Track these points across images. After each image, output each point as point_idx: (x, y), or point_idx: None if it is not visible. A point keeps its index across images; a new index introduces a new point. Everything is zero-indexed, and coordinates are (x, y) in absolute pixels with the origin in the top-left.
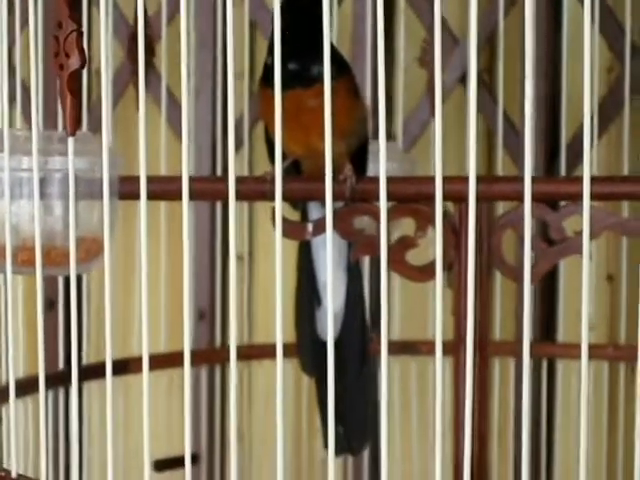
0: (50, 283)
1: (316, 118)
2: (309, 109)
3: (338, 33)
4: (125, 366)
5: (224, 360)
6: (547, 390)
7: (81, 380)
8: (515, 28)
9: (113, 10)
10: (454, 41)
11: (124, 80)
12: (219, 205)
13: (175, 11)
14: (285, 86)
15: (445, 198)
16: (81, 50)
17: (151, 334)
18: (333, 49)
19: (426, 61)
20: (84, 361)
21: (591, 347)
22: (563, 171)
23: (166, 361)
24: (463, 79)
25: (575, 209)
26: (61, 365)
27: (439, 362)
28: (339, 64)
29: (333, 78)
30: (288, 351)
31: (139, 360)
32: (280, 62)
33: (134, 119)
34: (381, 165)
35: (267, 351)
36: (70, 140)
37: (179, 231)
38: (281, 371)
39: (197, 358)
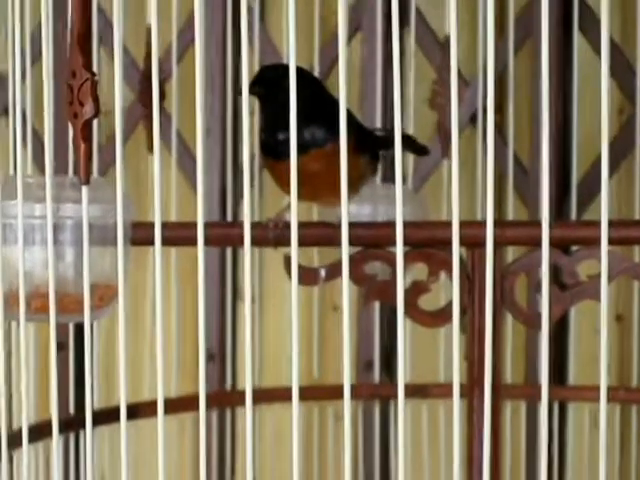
0: (60, 325)
1: (319, 180)
2: (309, 174)
3: (347, 72)
4: (135, 411)
5: (235, 403)
6: (559, 432)
7: (93, 426)
8: (524, 69)
9: (123, 52)
10: (464, 82)
11: (133, 120)
12: (229, 247)
13: (185, 51)
14: (281, 155)
15: (459, 243)
16: (95, 99)
17: (163, 378)
18: (330, 107)
19: (436, 103)
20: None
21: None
22: (574, 211)
23: (177, 405)
24: (473, 119)
25: (588, 253)
26: (71, 410)
27: (456, 406)
28: (332, 124)
29: (325, 141)
30: (300, 394)
31: (149, 405)
32: (270, 134)
33: (143, 159)
34: (397, 214)
35: (277, 394)
36: (84, 189)
37: (189, 273)
38: (297, 414)
39: (207, 401)
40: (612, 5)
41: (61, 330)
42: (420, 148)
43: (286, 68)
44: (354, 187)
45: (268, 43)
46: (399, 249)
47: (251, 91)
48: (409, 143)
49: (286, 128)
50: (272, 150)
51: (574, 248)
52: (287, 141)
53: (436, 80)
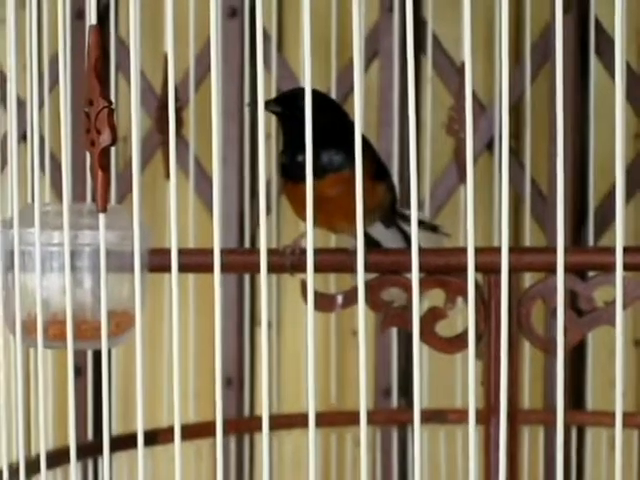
0: (78, 351)
1: (334, 205)
2: (326, 198)
3: (365, 100)
4: (153, 437)
5: (253, 429)
6: (577, 458)
7: (111, 452)
8: (542, 94)
9: (140, 79)
10: (481, 108)
11: (151, 147)
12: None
13: (203, 77)
14: (299, 178)
15: (475, 269)
16: (112, 127)
17: (180, 404)
18: (348, 134)
19: (454, 129)
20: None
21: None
22: (591, 237)
23: (194, 431)
24: (490, 145)
25: (605, 279)
26: (89, 435)
27: (472, 433)
28: (351, 150)
29: (343, 166)
30: (318, 420)
31: (167, 431)
32: (290, 156)
33: (160, 186)
34: (413, 239)
35: (296, 420)
36: (101, 217)
37: (206, 298)
38: (313, 440)
39: (225, 427)
40: (629, 30)
41: (79, 356)
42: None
43: (292, 94)
44: (370, 215)
45: (285, 69)
46: (415, 275)
47: (269, 107)
48: (432, 228)
49: (304, 150)
50: (290, 172)
51: (591, 274)
52: (304, 164)
53: (453, 106)
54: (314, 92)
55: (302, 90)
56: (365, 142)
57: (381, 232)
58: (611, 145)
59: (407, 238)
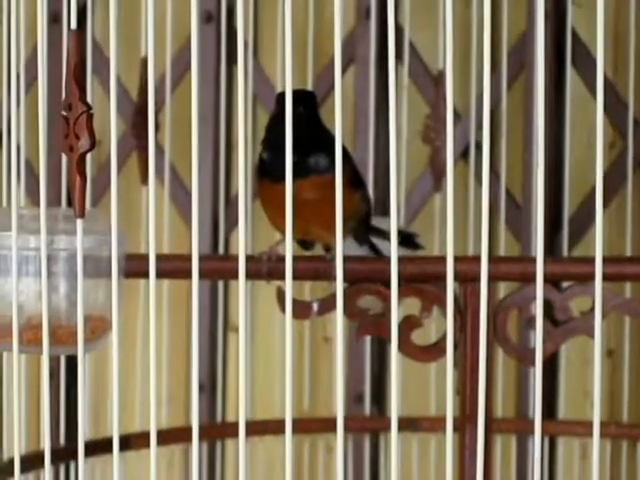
0: (51, 356)
1: (313, 209)
2: (305, 200)
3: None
4: (126, 442)
5: (225, 435)
6: (549, 465)
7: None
8: (516, 103)
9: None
10: (456, 116)
11: (125, 152)
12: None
13: (178, 82)
14: (280, 177)
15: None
16: (91, 132)
17: (156, 409)
18: (330, 139)
19: (430, 137)
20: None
21: (592, 425)
22: (565, 246)
23: (167, 437)
24: (465, 154)
25: (582, 289)
26: (61, 440)
27: (449, 440)
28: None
29: (327, 170)
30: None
31: (140, 436)
32: (275, 154)
33: (134, 190)
34: (392, 248)
35: (269, 427)
36: (79, 222)
37: (179, 304)
38: (290, 448)
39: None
40: (605, 40)
41: (51, 360)
42: (415, 244)
43: (302, 93)
44: (346, 223)
45: (260, 74)
46: (394, 284)
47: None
48: (407, 240)
49: (293, 150)
50: (271, 171)
51: (565, 284)
52: (292, 164)
53: (429, 114)
54: (312, 95)
55: (298, 92)
56: (344, 150)
57: (353, 250)
58: (585, 154)
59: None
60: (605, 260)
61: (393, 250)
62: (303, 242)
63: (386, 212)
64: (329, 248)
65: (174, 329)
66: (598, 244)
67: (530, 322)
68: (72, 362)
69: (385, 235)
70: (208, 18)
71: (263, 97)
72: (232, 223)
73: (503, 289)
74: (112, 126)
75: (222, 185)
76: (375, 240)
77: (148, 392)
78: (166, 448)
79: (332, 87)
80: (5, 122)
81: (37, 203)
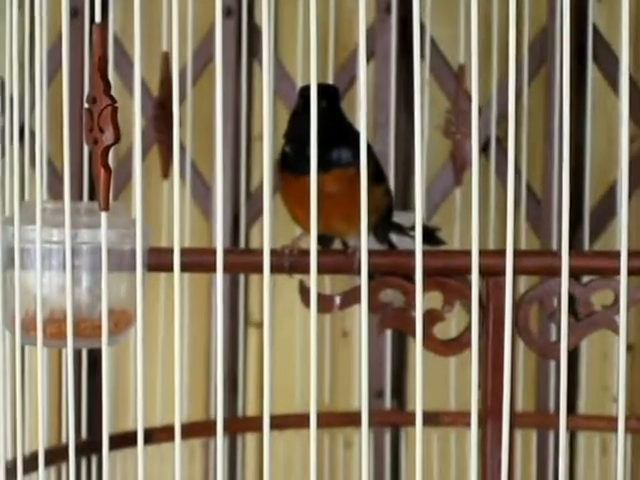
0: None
1: (335, 203)
2: (327, 194)
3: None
4: (147, 436)
5: (245, 430)
6: (569, 463)
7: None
8: (537, 97)
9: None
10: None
11: (145, 145)
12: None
13: (198, 76)
14: (303, 171)
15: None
16: (116, 125)
17: (172, 404)
18: (354, 133)
19: (451, 131)
20: None
21: (612, 420)
22: (587, 240)
23: (187, 431)
24: (485, 148)
25: (604, 283)
26: (83, 434)
27: (474, 435)
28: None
29: (350, 164)
30: (308, 421)
31: (162, 430)
32: (297, 148)
33: (154, 185)
34: (417, 243)
35: (289, 421)
36: (103, 215)
37: (199, 298)
38: (314, 443)
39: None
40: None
41: (74, 355)
42: (437, 240)
43: (325, 87)
44: (369, 217)
45: (280, 68)
46: (418, 277)
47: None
48: (428, 235)
49: (317, 144)
50: (294, 165)
51: (585, 278)
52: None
53: (449, 109)
54: (335, 89)
55: (323, 86)
56: (367, 144)
57: (371, 247)
58: (606, 149)
59: None
60: (630, 254)
61: (418, 244)
62: (321, 239)
63: (405, 206)
64: (347, 245)
65: (194, 323)
66: (623, 238)
67: (552, 316)
68: (94, 356)
69: (404, 231)
70: (228, 12)
71: (282, 92)
72: (252, 217)
73: (523, 283)
74: (136, 121)
75: (243, 179)
76: (394, 237)
77: (169, 386)
78: (186, 442)
79: (352, 81)
80: (27, 118)
81: (56, 198)
